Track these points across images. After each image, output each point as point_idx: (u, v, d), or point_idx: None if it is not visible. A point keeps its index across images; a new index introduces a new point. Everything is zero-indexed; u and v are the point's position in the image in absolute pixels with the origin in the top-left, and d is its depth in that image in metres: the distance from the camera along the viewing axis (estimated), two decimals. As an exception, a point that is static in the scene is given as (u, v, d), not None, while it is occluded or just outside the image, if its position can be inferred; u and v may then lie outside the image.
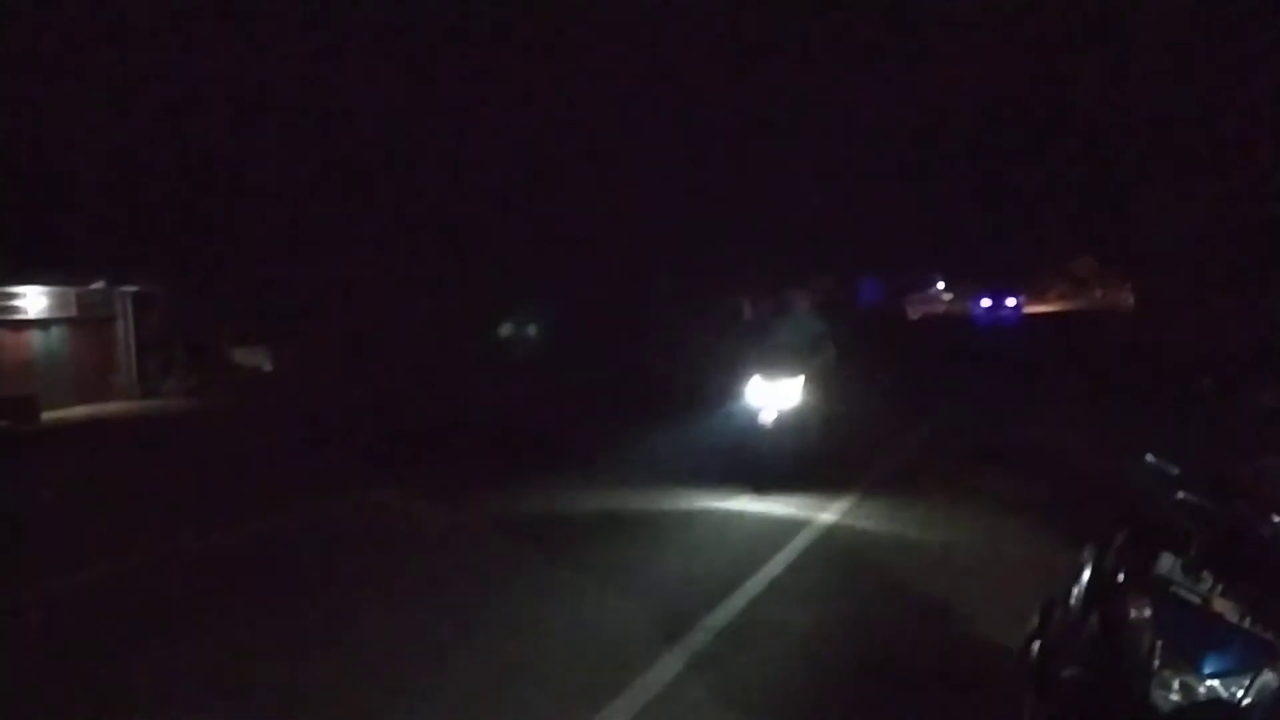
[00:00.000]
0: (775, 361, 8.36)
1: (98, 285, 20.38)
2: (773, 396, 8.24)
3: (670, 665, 4.29)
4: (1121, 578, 2.67)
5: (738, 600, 5.22)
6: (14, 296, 19.13)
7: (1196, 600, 2.44)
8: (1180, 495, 2.78)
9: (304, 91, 24.15)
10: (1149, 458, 2.97)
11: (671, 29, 39.94)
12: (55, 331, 19.95)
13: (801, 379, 8.31)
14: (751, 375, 8.43)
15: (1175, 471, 2.90)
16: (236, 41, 22.95)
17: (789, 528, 6.88)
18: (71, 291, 20.04)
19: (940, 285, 70.66)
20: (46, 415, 17.91)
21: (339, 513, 8.43)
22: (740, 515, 7.47)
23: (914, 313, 63.76)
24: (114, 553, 6.85)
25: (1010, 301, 60.36)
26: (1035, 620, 3.21)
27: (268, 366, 22.57)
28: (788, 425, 8.19)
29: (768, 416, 8.17)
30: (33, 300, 19.43)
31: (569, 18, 32.75)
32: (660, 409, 13.77)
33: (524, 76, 31.23)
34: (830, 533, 6.78)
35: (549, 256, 30.22)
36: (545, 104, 31.29)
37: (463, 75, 29.70)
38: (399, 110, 26.81)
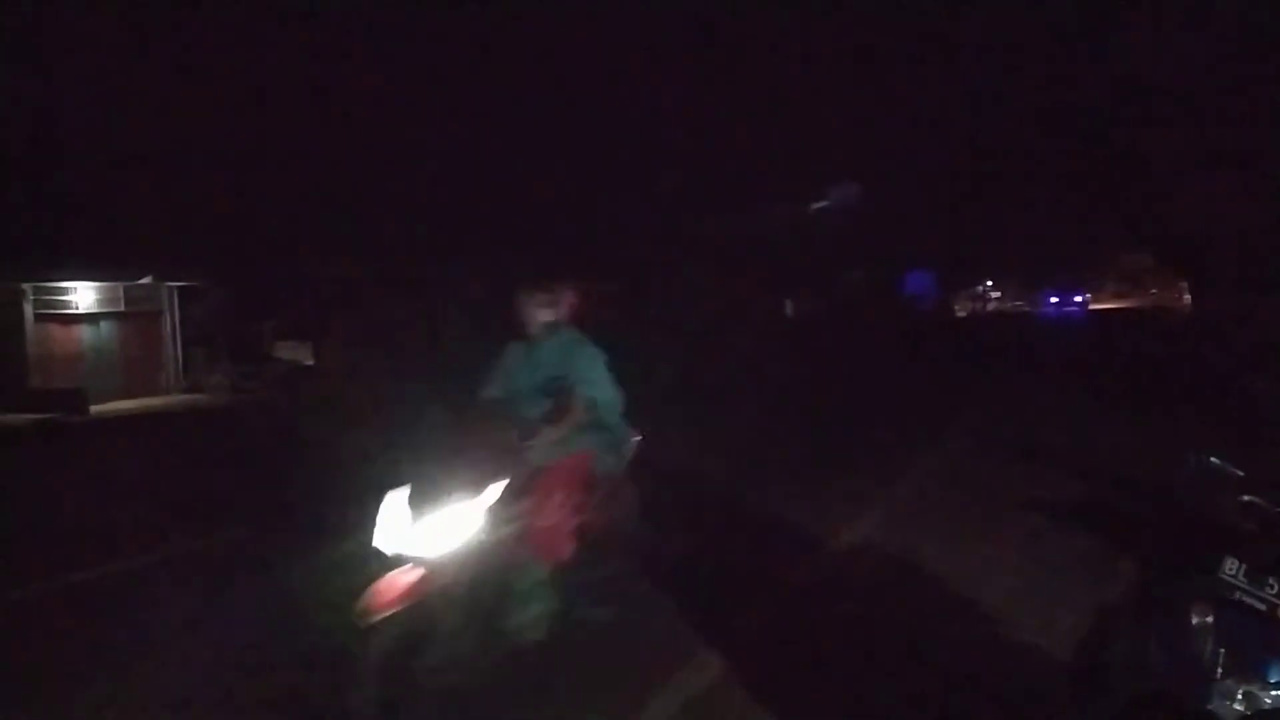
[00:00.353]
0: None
1: (145, 280, 20.80)
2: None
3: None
4: (1182, 583, 2.54)
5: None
6: (64, 291, 19.61)
7: (1262, 607, 2.34)
8: (1245, 498, 2.68)
9: (351, 84, 24.39)
10: (1212, 459, 2.85)
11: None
12: (104, 326, 20.41)
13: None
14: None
15: (1239, 473, 2.79)
16: (284, 32, 23.19)
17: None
18: (120, 286, 20.51)
19: (989, 283, 69.98)
20: (95, 408, 18.32)
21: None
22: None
23: (961, 310, 63.17)
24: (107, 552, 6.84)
25: (1077, 298, 63.73)
26: (1091, 628, 3.06)
27: (309, 360, 22.85)
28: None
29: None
30: (82, 295, 19.91)
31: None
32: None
33: (560, 68, 31.20)
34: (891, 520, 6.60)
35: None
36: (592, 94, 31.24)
37: (498, 66, 29.75)
38: (450, 103, 26.98)
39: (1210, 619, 2.33)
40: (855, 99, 41.10)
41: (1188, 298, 44.84)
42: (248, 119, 22.44)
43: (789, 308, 43.73)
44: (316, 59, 23.67)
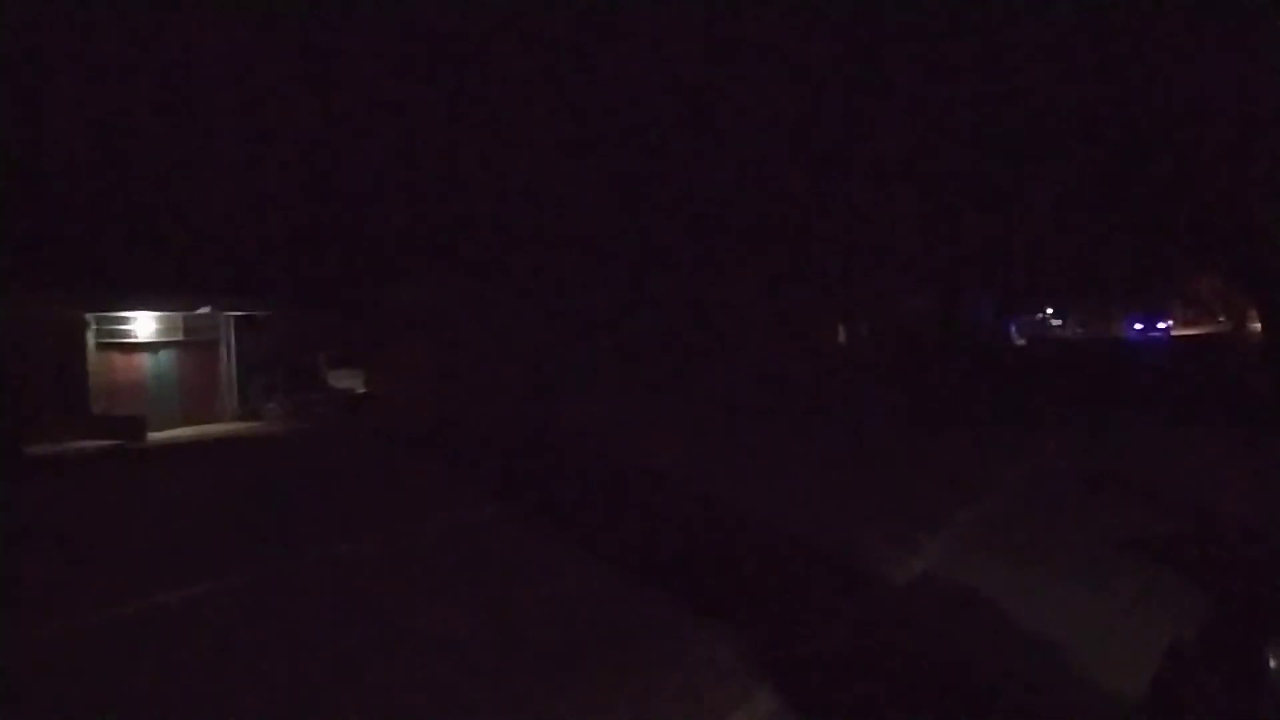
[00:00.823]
0: None
1: (204, 310, 21.23)
2: None
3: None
4: (1259, 621, 2.51)
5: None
6: (125, 321, 20.10)
7: None
8: None
9: (408, 115, 24.79)
10: None
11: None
12: (163, 354, 20.86)
13: None
14: None
15: None
16: (343, 66, 23.66)
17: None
18: (179, 316, 20.97)
19: (1049, 311, 68.53)
20: (153, 435, 18.71)
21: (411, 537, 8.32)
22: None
23: (1019, 338, 61.84)
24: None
25: (1161, 325, 66.85)
26: (1164, 665, 2.85)
27: (361, 389, 23.09)
28: None
29: None
30: (142, 324, 20.39)
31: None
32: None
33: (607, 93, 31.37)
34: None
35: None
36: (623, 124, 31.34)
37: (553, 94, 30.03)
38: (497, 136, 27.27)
39: None
40: (909, 114, 40.64)
41: (1256, 325, 43.32)
42: (302, 151, 22.89)
43: (841, 334, 43.15)
44: (376, 91, 24.09)
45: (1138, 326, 67.59)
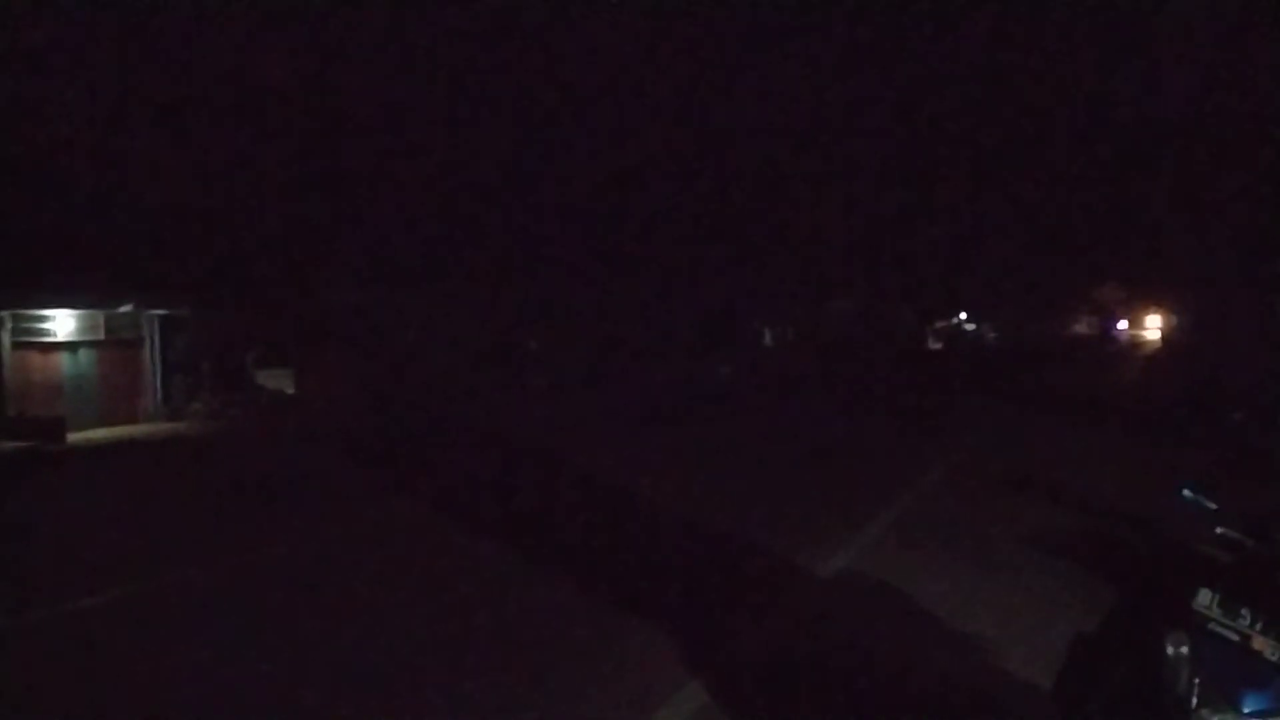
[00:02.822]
0: None
1: (126, 308, 20.65)
2: None
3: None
4: (1158, 613, 2.60)
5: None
6: (44, 319, 19.44)
7: (1235, 638, 2.39)
8: (1218, 530, 2.75)
9: (335, 110, 24.41)
10: (1186, 492, 2.94)
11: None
12: (83, 354, 20.21)
13: None
14: None
15: (1213, 506, 2.87)
16: (263, 56, 23.17)
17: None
18: (100, 314, 20.33)
19: (963, 315, 70.37)
20: (73, 436, 18.15)
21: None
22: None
23: (935, 341, 63.52)
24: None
25: (1120, 326, 71.27)
26: (1070, 657, 3.14)
27: (290, 389, 22.73)
28: None
29: None
30: (61, 323, 19.73)
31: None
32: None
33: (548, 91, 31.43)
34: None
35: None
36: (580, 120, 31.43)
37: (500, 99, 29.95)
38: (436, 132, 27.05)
39: (1185, 650, 2.36)
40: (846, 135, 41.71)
41: (1156, 333, 45.50)
42: (230, 145, 22.41)
43: (767, 337, 43.86)
44: (301, 82, 23.69)
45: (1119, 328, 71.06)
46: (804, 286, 43.23)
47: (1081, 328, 74.28)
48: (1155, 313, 60.49)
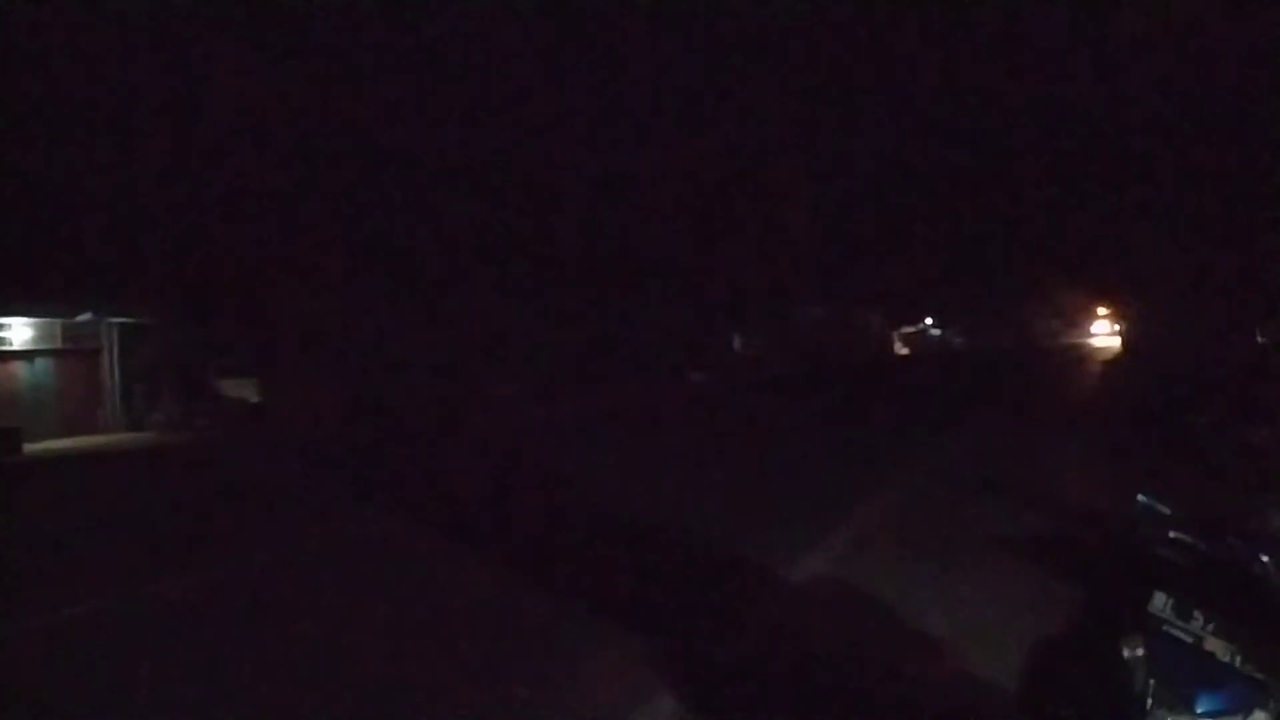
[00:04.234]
0: None
1: (85, 316, 20.31)
2: None
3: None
4: (1115, 616, 2.63)
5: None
6: (0, 327, 19.08)
7: (1189, 640, 2.42)
8: (1173, 534, 2.79)
9: (300, 116, 24.18)
10: (1141, 497, 2.97)
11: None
12: (40, 363, 19.85)
13: None
14: None
15: (1167, 510, 2.90)
16: (229, 64, 22.89)
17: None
18: (58, 323, 19.99)
19: (929, 321, 71.22)
20: (30, 447, 17.78)
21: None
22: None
23: (902, 346, 64.23)
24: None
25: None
26: (1031, 661, 3.17)
27: (254, 398, 22.43)
28: None
29: None
30: (18, 331, 19.37)
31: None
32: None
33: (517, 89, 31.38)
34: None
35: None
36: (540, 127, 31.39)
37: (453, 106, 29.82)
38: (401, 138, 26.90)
39: (1141, 652, 2.38)
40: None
41: (1117, 332, 46.27)
42: (193, 150, 22.11)
43: (737, 343, 44.03)
44: (265, 87, 23.44)
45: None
46: (775, 294, 43.53)
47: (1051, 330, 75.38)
48: (1110, 316, 60.88)
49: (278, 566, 7.67)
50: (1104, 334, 63.47)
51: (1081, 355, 45.31)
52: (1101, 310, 66.43)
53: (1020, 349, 59.23)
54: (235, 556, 8.00)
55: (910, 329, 66.69)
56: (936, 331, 71.28)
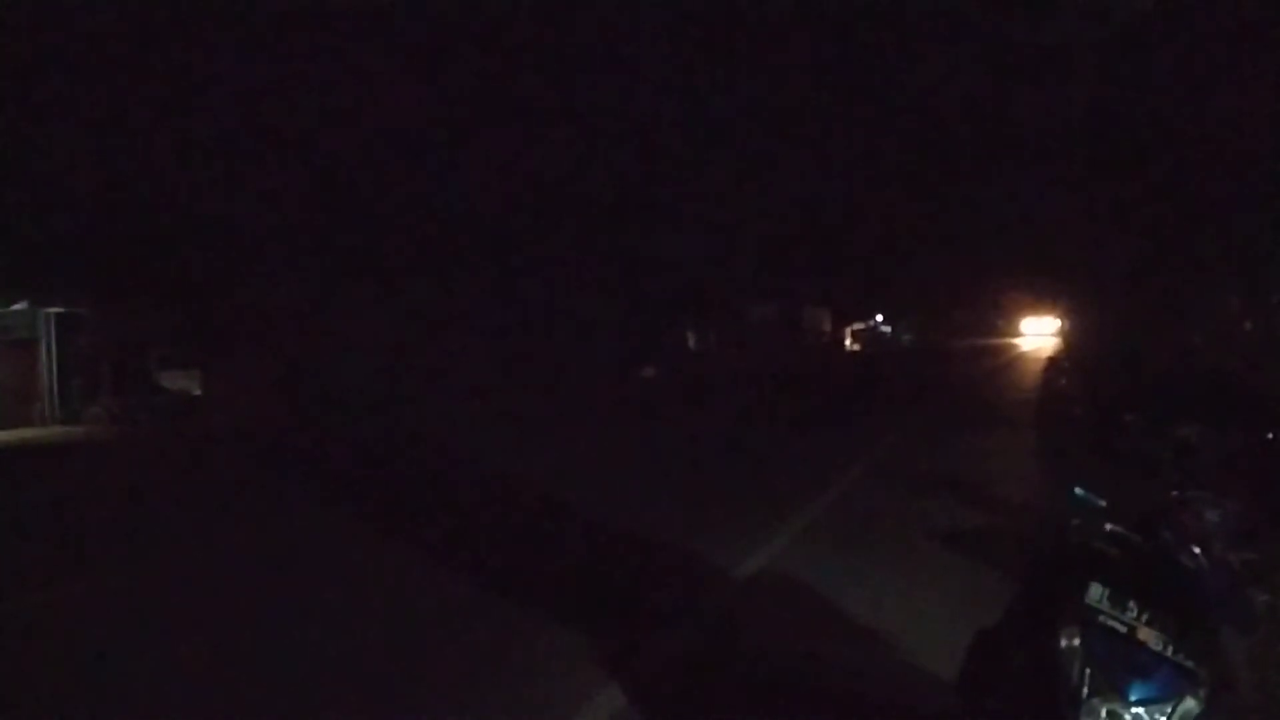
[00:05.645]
0: None
1: (20, 306, 19.68)
2: None
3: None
4: (1052, 607, 2.66)
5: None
6: (-71, 316, 18.45)
7: (1123, 630, 2.48)
8: (1108, 527, 2.84)
9: (249, 110, 23.70)
10: (1078, 490, 3.01)
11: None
12: (-28, 353, 19.23)
13: None
14: None
15: (1103, 504, 2.96)
16: (174, 58, 22.34)
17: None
18: (-8, 312, 19.39)
19: (879, 318, 72.04)
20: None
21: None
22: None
23: (854, 343, 64.95)
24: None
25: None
26: (971, 651, 3.21)
27: (197, 390, 21.92)
28: None
29: None
30: (-52, 321, 18.75)
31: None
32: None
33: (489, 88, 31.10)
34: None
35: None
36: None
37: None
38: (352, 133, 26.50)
39: (1077, 641, 2.44)
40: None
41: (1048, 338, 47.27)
42: (135, 135, 21.53)
43: (691, 340, 44.17)
44: (219, 84, 22.95)
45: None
46: (727, 290, 43.74)
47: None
48: (1045, 314, 61.19)
49: (178, 571, 7.40)
50: (1037, 333, 63.85)
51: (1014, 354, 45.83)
52: (1031, 311, 66.90)
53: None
54: (140, 560, 7.76)
55: (860, 326, 67.42)
56: (887, 329, 72.12)
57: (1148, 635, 2.45)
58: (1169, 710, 2.34)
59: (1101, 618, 2.51)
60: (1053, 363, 28.60)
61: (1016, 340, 67.28)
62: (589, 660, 4.79)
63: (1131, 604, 2.51)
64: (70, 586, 6.83)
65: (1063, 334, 45.43)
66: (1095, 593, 2.57)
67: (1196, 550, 2.64)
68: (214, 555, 7.86)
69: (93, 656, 5.22)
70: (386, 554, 7.50)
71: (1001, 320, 78.09)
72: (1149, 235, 22.81)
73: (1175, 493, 2.94)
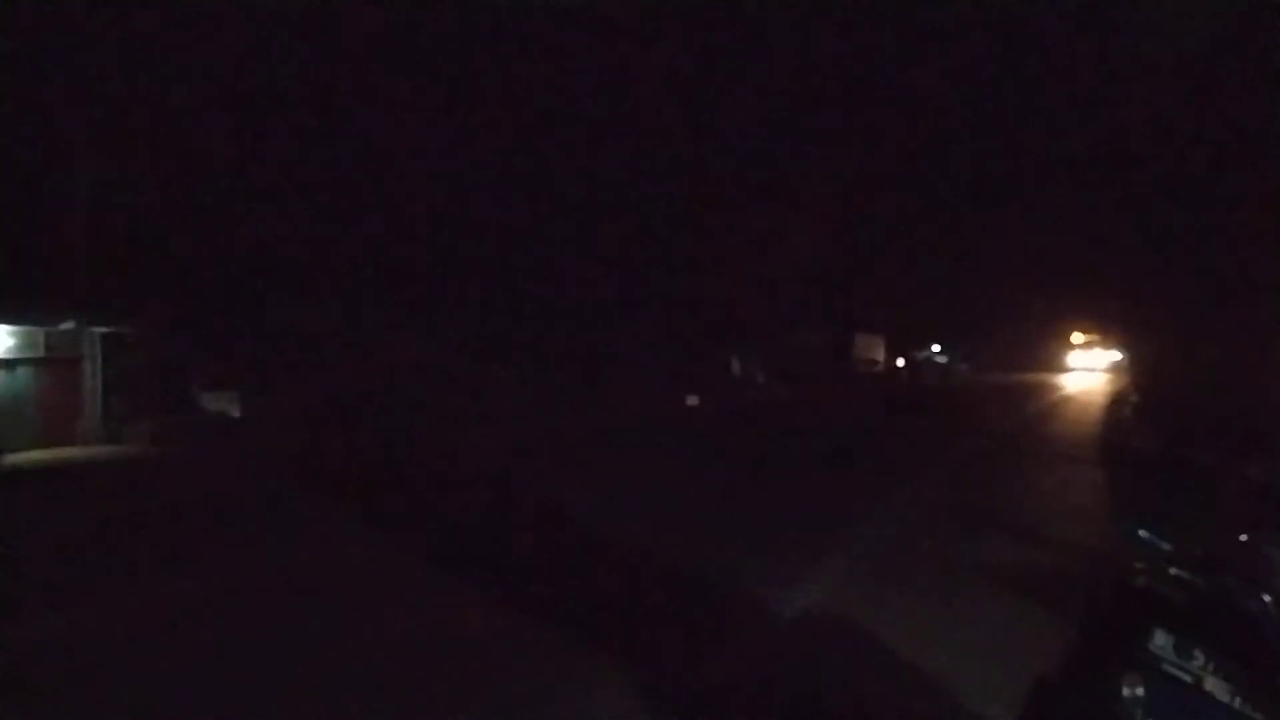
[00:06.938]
0: None
1: (68, 325, 20.01)
2: None
3: None
4: (1114, 655, 2.54)
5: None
6: (-21, 335, 18.79)
7: (1188, 679, 2.37)
8: (1172, 570, 2.75)
9: (297, 136, 24.03)
10: (1141, 532, 2.93)
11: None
12: (20, 372, 19.52)
13: None
14: None
15: (1167, 546, 2.87)
16: (221, 74, 22.72)
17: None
18: (40, 331, 19.70)
19: (936, 347, 71.15)
20: (6, 458, 17.39)
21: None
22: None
23: (907, 372, 63.96)
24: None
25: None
26: (1029, 702, 3.02)
27: (236, 413, 22.07)
28: None
29: None
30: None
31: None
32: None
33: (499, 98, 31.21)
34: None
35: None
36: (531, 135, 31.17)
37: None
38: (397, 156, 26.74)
39: (1140, 691, 2.33)
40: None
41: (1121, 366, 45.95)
42: (181, 160, 21.87)
43: (735, 366, 43.68)
44: (255, 108, 23.27)
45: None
46: (773, 317, 43.39)
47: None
48: (1096, 344, 59.11)
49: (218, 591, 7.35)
50: (1088, 366, 61.58)
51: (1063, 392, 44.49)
52: (1082, 337, 64.45)
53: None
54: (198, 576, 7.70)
55: (916, 354, 66.58)
56: (943, 359, 71.09)
57: (1214, 686, 2.34)
58: None
59: (1166, 666, 2.38)
60: (1118, 397, 27.75)
61: (1064, 375, 65.90)
62: (634, 692, 4.66)
63: (1197, 652, 2.38)
64: (136, 597, 7.01)
65: (1126, 367, 44.12)
66: (1159, 640, 2.43)
67: (1266, 598, 2.56)
68: (275, 574, 7.78)
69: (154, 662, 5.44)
70: (434, 579, 7.44)
71: (1053, 352, 76.67)
72: (1218, 266, 22.06)
73: (1244, 536, 2.90)
